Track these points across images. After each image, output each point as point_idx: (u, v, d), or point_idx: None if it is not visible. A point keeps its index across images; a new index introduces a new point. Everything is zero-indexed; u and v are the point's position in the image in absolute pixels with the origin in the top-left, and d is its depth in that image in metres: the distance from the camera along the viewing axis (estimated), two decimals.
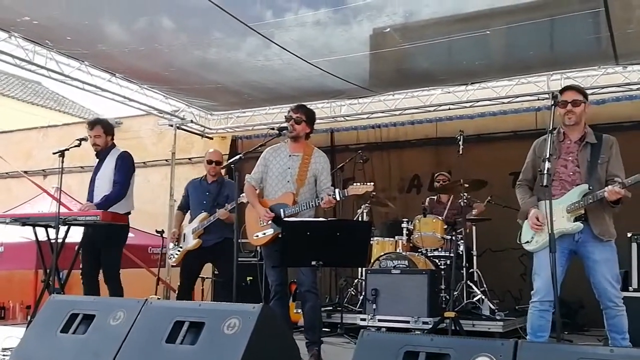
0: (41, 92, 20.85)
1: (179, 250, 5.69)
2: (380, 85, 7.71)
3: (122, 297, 5.02)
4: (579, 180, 3.83)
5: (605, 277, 3.71)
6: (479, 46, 6.32)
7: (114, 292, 5.03)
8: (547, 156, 3.55)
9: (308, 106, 4.78)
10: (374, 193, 6.85)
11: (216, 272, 7.04)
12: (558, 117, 3.91)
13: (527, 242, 3.95)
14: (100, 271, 5.24)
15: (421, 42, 6.06)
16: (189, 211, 5.84)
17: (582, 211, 3.74)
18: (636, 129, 6.96)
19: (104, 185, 5.21)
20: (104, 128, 5.40)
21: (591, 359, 2.28)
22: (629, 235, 5.13)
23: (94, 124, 5.44)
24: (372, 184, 4.48)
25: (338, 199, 4.33)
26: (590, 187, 3.75)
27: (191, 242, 5.57)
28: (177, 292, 5.74)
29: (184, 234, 5.69)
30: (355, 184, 4.45)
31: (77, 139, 5.08)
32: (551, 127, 3.69)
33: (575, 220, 3.75)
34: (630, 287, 4.93)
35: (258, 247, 5.78)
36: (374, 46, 6.27)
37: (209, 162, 5.72)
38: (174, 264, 5.85)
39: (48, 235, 5.02)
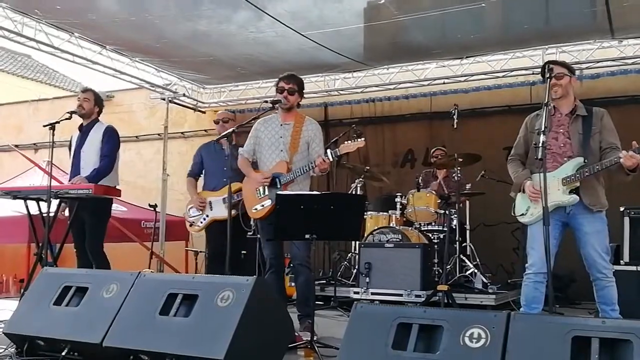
0: (31, 65, 20.58)
1: (204, 218, 5.49)
2: (374, 58, 7.64)
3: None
4: (569, 152, 3.84)
5: (594, 249, 3.74)
6: (474, 19, 6.25)
7: (99, 266, 5.00)
8: (543, 129, 3.55)
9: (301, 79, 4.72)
10: (368, 167, 6.85)
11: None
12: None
13: (522, 214, 3.97)
14: None
15: (416, 15, 5.97)
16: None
17: (578, 184, 3.75)
18: (631, 103, 6.96)
19: (91, 158, 5.15)
20: (94, 95, 5.36)
21: (583, 330, 2.31)
22: (622, 209, 5.15)
23: (86, 89, 5.47)
24: (363, 139, 4.38)
25: (331, 159, 4.26)
26: (586, 160, 3.76)
27: (224, 213, 5.21)
28: (207, 265, 5.66)
29: (209, 202, 5.47)
30: (346, 142, 4.37)
31: (68, 112, 5.02)
32: (547, 100, 3.68)
33: (570, 192, 3.76)
34: (621, 261, 4.96)
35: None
36: (368, 18, 6.19)
37: (216, 121, 5.60)
38: (197, 231, 5.72)
39: (40, 209, 4.98)
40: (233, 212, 5.10)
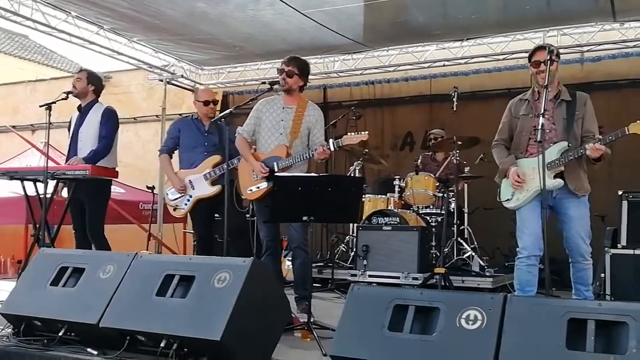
0: (28, 46, 20.42)
1: (188, 200, 5.14)
2: (374, 39, 7.58)
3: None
4: (555, 138, 3.88)
5: (579, 233, 3.83)
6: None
7: (99, 248, 5.00)
8: (542, 112, 3.56)
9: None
10: (367, 150, 6.82)
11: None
12: (544, 74, 3.89)
13: (507, 200, 4.03)
14: None
15: None
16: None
17: (562, 168, 3.80)
18: (632, 87, 6.91)
19: (89, 139, 5.11)
20: (88, 76, 5.28)
21: (579, 312, 2.31)
22: (620, 193, 5.14)
23: (80, 69, 5.42)
24: (367, 132, 4.34)
25: (332, 149, 4.24)
26: (569, 144, 3.79)
27: (208, 189, 5.04)
28: (196, 248, 5.38)
29: (190, 180, 5.13)
30: (349, 133, 4.34)
31: (64, 92, 4.98)
32: (546, 83, 3.67)
33: (555, 177, 3.80)
34: (619, 244, 4.96)
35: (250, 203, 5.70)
36: None
37: (207, 102, 5.22)
38: (183, 215, 5.28)
39: (37, 190, 4.96)
40: (218, 187, 5.00)
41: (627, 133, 3.63)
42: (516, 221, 4.04)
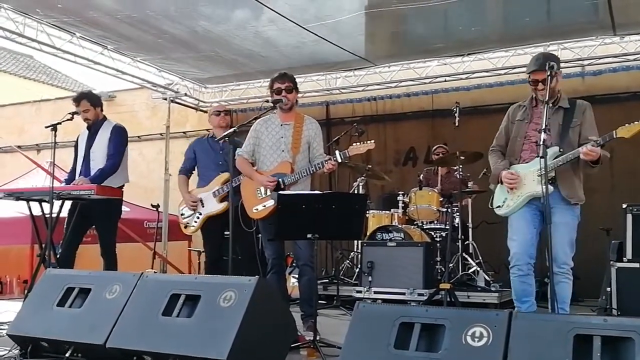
0: (33, 66, 20.60)
1: (198, 217, 5.23)
2: (376, 54, 7.63)
3: (116, 270, 5.01)
4: (548, 143, 3.78)
5: (559, 241, 3.67)
6: (476, 11, 6.24)
7: (109, 266, 5.03)
8: (543, 127, 3.54)
9: (303, 78, 4.70)
10: (370, 166, 6.84)
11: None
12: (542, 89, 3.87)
13: (499, 206, 3.96)
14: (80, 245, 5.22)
15: (417, 4, 5.90)
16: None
17: (553, 173, 3.71)
18: (633, 100, 6.95)
19: (101, 158, 5.18)
20: (90, 101, 5.30)
21: (585, 328, 2.31)
22: (624, 206, 5.13)
23: (79, 99, 5.31)
24: (373, 141, 4.37)
25: (340, 160, 4.26)
26: (561, 150, 3.73)
27: (216, 207, 5.12)
28: (206, 266, 5.38)
29: (200, 199, 5.23)
30: (355, 144, 4.37)
31: (70, 113, 5.03)
32: (547, 98, 3.67)
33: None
34: (624, 258, 4.94)
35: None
36: (369, 7, 6.18)
37: (217, 113, 5.32)
38: (193, 232, 5.41)
39: (42, 210, 4.99)
40: (225, 204, 4.98)
41: (614, 137, 3.60)
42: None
